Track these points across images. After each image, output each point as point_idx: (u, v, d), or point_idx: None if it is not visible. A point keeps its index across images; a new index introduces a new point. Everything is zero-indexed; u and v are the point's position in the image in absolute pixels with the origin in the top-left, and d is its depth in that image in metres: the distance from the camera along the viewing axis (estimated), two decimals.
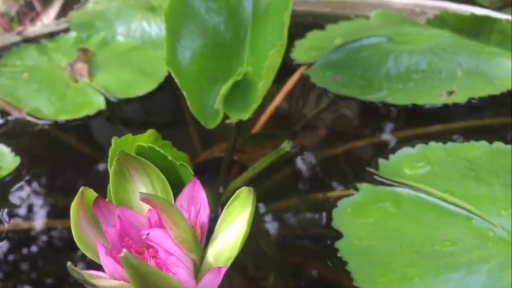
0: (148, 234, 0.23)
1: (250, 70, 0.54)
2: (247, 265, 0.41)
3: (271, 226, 0.44)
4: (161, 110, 0.63)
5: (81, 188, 0.26)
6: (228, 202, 0.27)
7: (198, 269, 0.25)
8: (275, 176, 0.49)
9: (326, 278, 0.39)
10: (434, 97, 0.56)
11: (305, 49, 0.69)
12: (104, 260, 0.24)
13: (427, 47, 0.62)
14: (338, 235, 0.39)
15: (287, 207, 0.46)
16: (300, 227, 0.43)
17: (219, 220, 0.27)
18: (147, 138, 0.38)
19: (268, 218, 0.45)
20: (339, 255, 0.38)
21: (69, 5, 1.08)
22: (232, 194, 0.46)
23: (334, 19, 0.76)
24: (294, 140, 0.51)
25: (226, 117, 0.55)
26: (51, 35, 0.75)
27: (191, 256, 0.24)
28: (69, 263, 0.23)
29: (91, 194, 0.27)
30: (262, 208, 0.46)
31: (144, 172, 0.27)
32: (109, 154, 0.32)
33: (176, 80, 0.48)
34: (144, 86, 0.62)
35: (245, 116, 0.47)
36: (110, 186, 0.27)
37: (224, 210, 0.27)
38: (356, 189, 0.44)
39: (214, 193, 0.47)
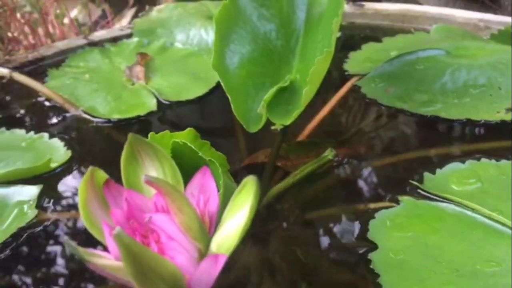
0: (150, 217, 0.23)
1: (298, 78, 0.53)
2: (280, 269, 0.40)
3: (309, 234, 0.43)
4: (210, 114, 0.64)
5: (90, 168, 0.26)
6: (235, 191, 0.27)
7: (203, 257, 0.24)
8: (317, 184, 0.48)
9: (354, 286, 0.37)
10: (491, 113, 0.54)
11: (359, 61, 0.68)
12: (109, 240, 0.24)
13: (488, 62, 0.59)
14: (374, 247, 0.38)
15: (326, 216, 0.45)
16: (337, 236, 0.42)
17: (226, 209, 0.27)
18: (185, 136, 0.38)
19: (306, 225, 0.44)
20: (371, 266, 0.36)
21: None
22: (272, 199, 0.47)
23: (393, 32, 0.75)
24: (339, 150, 0.51)
25: (271, 123, 0.55)
26: (115, 40, 0.78)
27: (195, 244, 0.24)
28: (66, 238, 0.23)
29: (101, 175, 0.27)
30: (301, 215, 0.45)
31: (156, 158, 0.28)
32: None
33: (222, 83, 0.48)
34: (195, 91, 0.64)
35: (287, 121, 0.47)
36: (122, 169, 0.28)
37: (231, 200, 0.27)
38: (398, 202, 0.42)
39: None
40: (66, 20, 1.07)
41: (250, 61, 0.53)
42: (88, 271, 0.40)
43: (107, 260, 0.24)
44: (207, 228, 0.25)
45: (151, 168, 0.27)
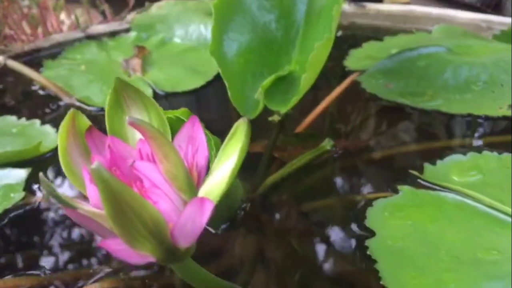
0: (134, 161, 0.22)
1: (297, 69, 0.52)
2: (273, 257, 0.39)
3: (304, 223, 0.42)
4: (206, 105, 0.62)
5: (71, 110, 0.25)
6: (226, 139, 0.26)
7: None
8: (315, 175, 0.47)
9: (351, 275, 0.36)
10: (493, 109, 0.52)
11: (359, 58, 0.67)
12: (89, 187, 0.22)
13: (490, 60, 0.58)
14: (371, 235, 0.37)
15: (323, 206, 0.44)
16: (333, 225, 0.41)
17: (215, 160, 0.25)
18: (179, 114, 0.37)
19: (302, 215, 0.43)
20: (368, 253, 0.35)
21: None
22: (268, 187, 0.45)
23: (394, 32, 0.74)
24: (338, 142, 0.49)
25: (269, 114, 0.54)
26: (113, 34, 0.77)
27: (181, 196, 0.22)
28: (41, 174, 0.22)
29: (84, 121, 0.26)
30: (297, 205, 0.44)
31: (143, 105, 0.26)
32: None
33: (220, 69, 0.47)
34: (192, 83, 0.63)
35: (285, 108, 0.46)
36: (106, 117, 0.27)
37: (220, 150, 0.26)
38: (397, 193, 0.41)
39: (251, 184, 0.45)
40: (66, 21, 1.07)
41: (249, 50, 0.52)
42: (71, 253, 0.38)
43: (86, 206, 0.23)
44: (195, 182, 0.24)
45: (137, 115, 0.26)
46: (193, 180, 0.23)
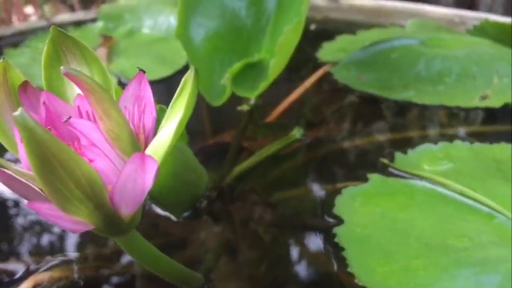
0: (69, 117, 0.19)
1: (267, 57, 0.51)
2: (240, 249, 0.37)
3: (272, 213, 0.40)
4: (173, 94, 0.60)
5: (1, 61, 0.23)
6: (173, 98, 0.24)
7: None
8: (284, 165, 0.45)
9: (318, 263, 0.34)
10: (465, 100, 0.52)
11: (332, 50, 0.66)
12: (20, 147, 0.19)
13: (463, 53, 0.57)
14: (339, 222, 0.35)
15: (292, 196, 0.42)
16: (301, 214, 0.39)
17: (163, 119, 0.23)
18: None
19: (270, 205, 0.41)
20: (336, 240, 0.33)
21: None
22: (236, 177, 0.43)
23: (368, 27, 0.73)
24: (309, 132, 0.48)
25: (238, 104, 0.52)
26: (78, 24, 0.75)
27: (125, 159, 0.20)
28: None
29: (17, 75, 0.23)
30: (265, 195, 0.42)
31: (84, 60, 0.24)
32: None
33: (186, 53, 0.45)
34: (159, 72, 0.61)
35: (253, 94, 0.44)
36: (42, 72, 0.24)
37: (168, 109, 0.24)
38: (367, 180, 0.40)
39: (218, 174, 0.43)
40: (34, 17, 1.04)
41: (217, 36, 0.50)
42: (21, 241, 0.36)
43: (15, 165, 0.21)
44: (142, 146, 0.21)
45: None
46: (140, 143, 0.21)
